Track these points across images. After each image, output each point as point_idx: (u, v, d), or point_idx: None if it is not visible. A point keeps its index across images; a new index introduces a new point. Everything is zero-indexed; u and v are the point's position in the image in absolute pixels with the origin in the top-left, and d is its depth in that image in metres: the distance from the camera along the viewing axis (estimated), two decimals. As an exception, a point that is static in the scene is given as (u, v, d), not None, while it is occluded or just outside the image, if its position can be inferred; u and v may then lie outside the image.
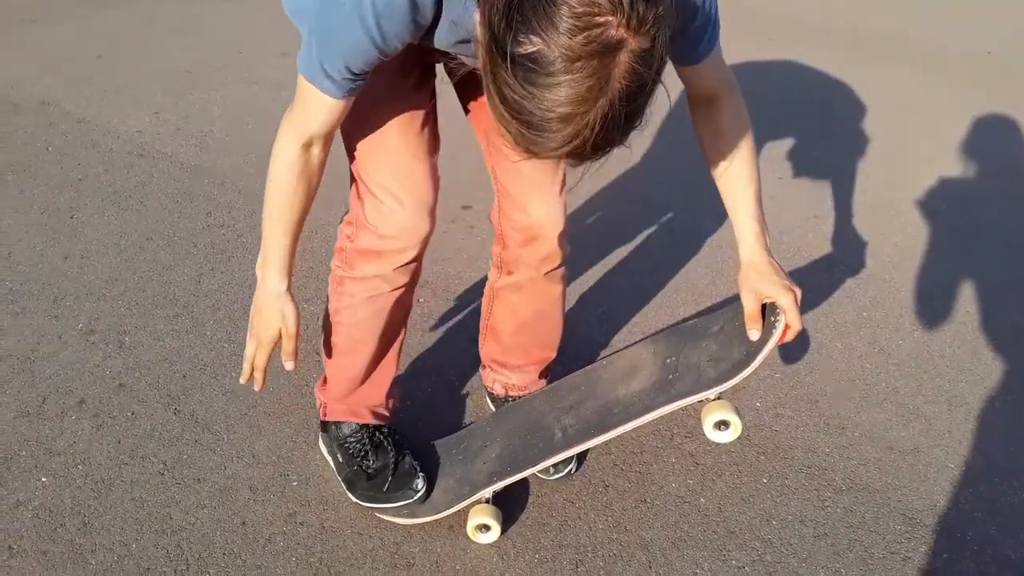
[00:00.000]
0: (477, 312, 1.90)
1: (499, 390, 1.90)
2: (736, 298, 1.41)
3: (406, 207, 1.47)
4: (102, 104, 3.35)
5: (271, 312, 1.45)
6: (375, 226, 1.49)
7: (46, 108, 3.30)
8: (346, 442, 1.75)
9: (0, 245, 2.50)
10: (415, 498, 1.67)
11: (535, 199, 1.57)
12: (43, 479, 1.79)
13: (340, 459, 1.76)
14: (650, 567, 1.65)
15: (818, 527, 1.73)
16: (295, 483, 1.80)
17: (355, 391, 1.72)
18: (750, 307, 1.37)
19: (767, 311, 1.39)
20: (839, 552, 1.68)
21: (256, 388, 1.51)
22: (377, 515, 1.71)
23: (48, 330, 2.19)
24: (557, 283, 1.73)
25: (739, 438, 1.89)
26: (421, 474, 1.69)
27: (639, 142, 3.03)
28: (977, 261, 2.54)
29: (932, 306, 2.35)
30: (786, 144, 3.16)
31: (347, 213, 1.60)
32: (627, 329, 2.25)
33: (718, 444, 1.88)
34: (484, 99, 1.40)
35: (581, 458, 1.85)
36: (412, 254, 1.53)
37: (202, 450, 1.87)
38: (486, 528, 1.65)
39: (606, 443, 1.85)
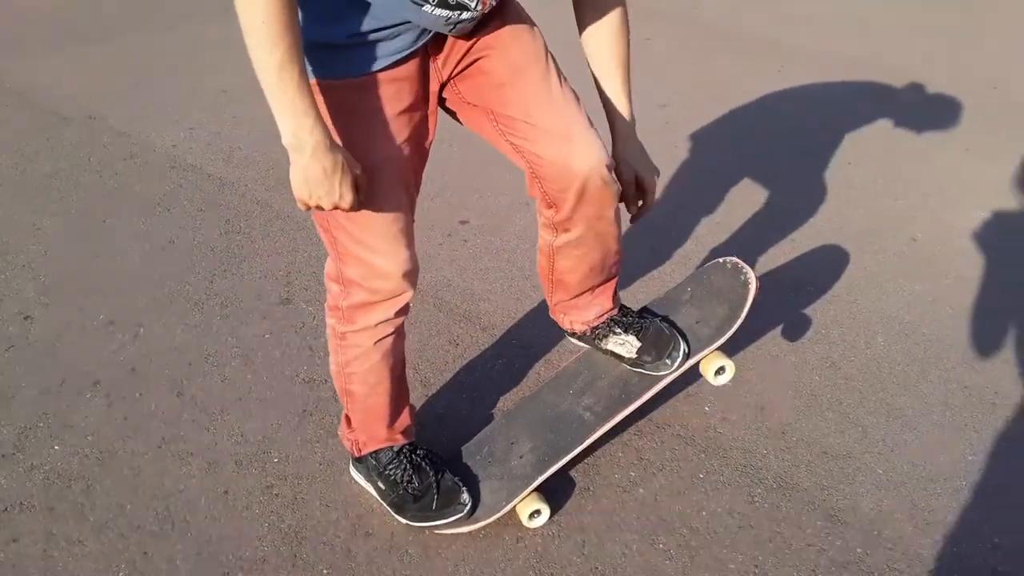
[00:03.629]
0: (466, 319, 2.08)
1: (580, 328, 1.91)
2: (693, 270, 1.61)
3: (397, 260, 1.52)
4: (143, 119, 3.64)
5: (340, 168, 1.33)
6: (367, 283, 1.54)
7: (92, 122, 3.60)
8: (386, 470, 1.82)
9: (38, 243, 2.77)
10: (464, 512, 1.77)
11: (574, 151, 1.53)
12: (56, 447, 2.03)
13: (382, 486, 1.83)
14: (583, 546, 1.82)
15: (744, 519, 1.88)
16: (276, 460, 2.01)
17: (385, 424, 1.80)
18: (630, 187, 1.69)
19: (735, 271, 1.83)
20: (760, 542, 1.83)
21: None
22: (436, 532, 1.82)
23: (73, 320, 2.44)
24: (615, 220, 1.69)
25: (684, 436, 2.06)
26: (464, 488, 1.80)
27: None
28: (942, 288, 2.66)
29: (890, 327, 2.49)
30: (772, 169, 3.31)
31: (328, 267, 1.65)
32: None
33: (718, 388, 2.19)
34: (481, 90, 1.54)
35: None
36: (410, 295, 1.60)
37: (197, 429, 2.09)
38: (538, 513, 1.82)
39: (557, 436, 2.03)
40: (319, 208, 1.37)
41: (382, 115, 1.43)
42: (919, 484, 1.98)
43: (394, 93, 1.43)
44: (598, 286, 1.83)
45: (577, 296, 1.84)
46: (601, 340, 1.90)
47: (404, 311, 1.63)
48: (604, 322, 1.89)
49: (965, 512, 1.92)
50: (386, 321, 1.62)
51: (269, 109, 1.30)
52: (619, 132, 1.66)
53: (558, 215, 1.64)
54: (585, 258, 1.74)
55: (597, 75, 1.63)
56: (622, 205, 1.70)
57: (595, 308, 1.87)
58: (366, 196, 1.42)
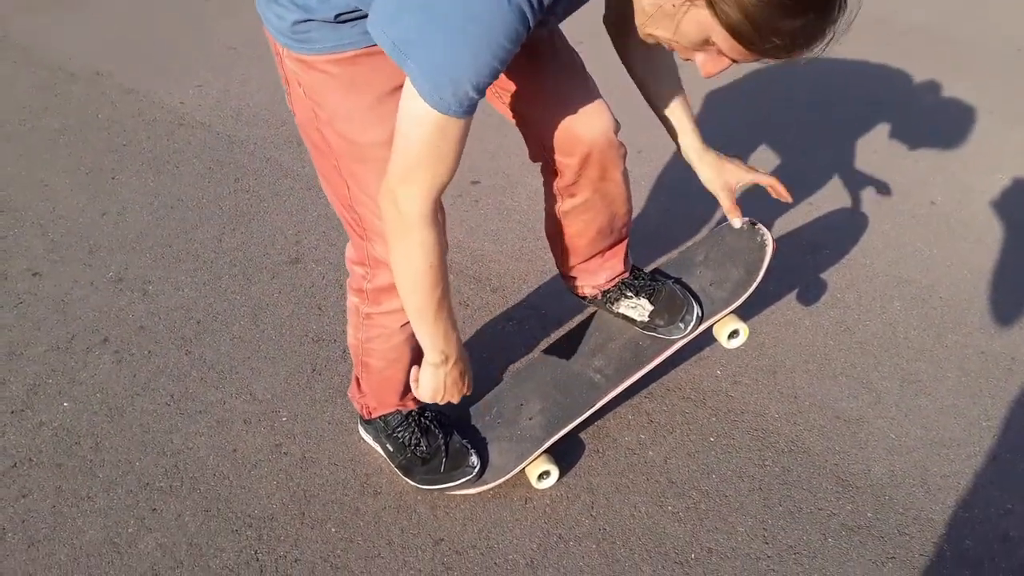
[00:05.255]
0: (476, 281, 2.05)
1: (591, 292, 1.88)
2: (705, 232, 1.58)
3: None
4: (151, 77, 3.60)
5: (467, 368, 1.50)
6: None
7: (99, 79, 3.57)
8: (395, 432, 1.81)
9: (46, 200, 2.76)
10: (472, 475, 1.77)
11: (578, 116, 1.52)
12: (65, 404, 2.02)
13: (391, 449, 1.83)
14: (592, 507, 1.81)
15: (754, 483, 1.87)
16: (284, 418, 2.00)
17: (397, 394, 1.78)
18: (726, 201, 1.69)
19: (752, 232, 1.77)
20: (770, 505, 1.82)
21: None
22: (445, 493, 1.83)
23: (82, 277, 2.43)
24: (623, 181, 1.66)
25: (695, 399, 2.04)
26: (473, 450, 1.79)
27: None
28: (961, 252, 2.62)
29: (906, 291, 2.45)
30: (789, 131, 3.26)
31: (350, 250, 1.58)
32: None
33: (734, 350, 2.20)
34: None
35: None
36: None
37: (206, 387, 2.08)
38: (547, 474, 1.82)
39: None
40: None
41: (384, 88, 1.36)
42: (932, 449, 1.96)
43: (388, 65, 1.36)
44: (608, 249, 1.80)
45: (587, 260, 1.81)
46: (613, 303, 1.87)
47: None
48: (615, 285, 1.86)
49: (978, 477, 1.90)
50: None
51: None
52: (691, 153, 1.67)
53: (562, 180, 1.62)
54: (593, 222, 1.71)
55: (659, 113, 1.64)
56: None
57: (606, 272, 1.84)
58: None
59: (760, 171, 1.67)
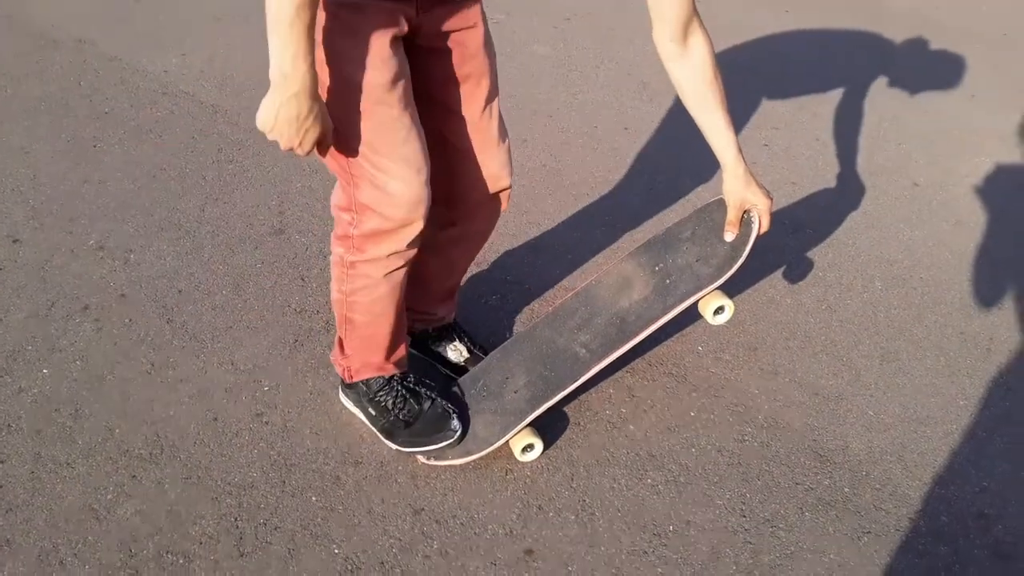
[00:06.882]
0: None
1: (419, 328, 2.01)
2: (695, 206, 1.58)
3: (411, 185, 1.48)
4: (134, 45, 3.56)
5: (313, 117, 1.35)
6: (381, 209, 1.50)
7: (82, 46, 3.52)
8: (376, 396, 1.82)
9: (27, 168, 2.73)
10: (454, 438, 1.78)
11: (492, 155, 1.67)
12: (44, 371, 2.01)
13: (373, 412, 1.83)
14: (572, 479, 1.82)
15: (733, 457, 1.89)
16: (266, 388, 2.00)
17: (382, 355, 1.79)
18: (733, 214, 1.72)
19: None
20: (748, 479, 1.84)
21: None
22: (424, 459, 1.83)
23: (62, 244, 2.41)
24: (493, 228, 1.86)
25: (676, 375, 2.05)
26: (455, 413, 1.80)
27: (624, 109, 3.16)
28: (942, 234, 2.64)
29: (888, 271, 2.47)
30: (775, 112, 3.26)
31: (337, 196, 1.60)
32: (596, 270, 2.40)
33: (717, 327, 2.21)
34: (444, 69, 1.56)
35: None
36: (422, 224, 1.54)
37: (187, 355, 2.08)
38: (531, 447, 1.83)
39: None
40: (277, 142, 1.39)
41: (385, 37, 1.40)
42: (910, 427, 1.98)
43: (388, 17, 1.41)
44: (452, 294, 2.01)
45: (433, 298, 1.97)
46: (439, 342, 2.04)
47: (416, 243, 1.58)
48: (449, 325, 2.04)
49: (954, 455, 1.92)
50: (397, 253, 1.58)
51: (265, 38, 1.26)
52: (725, 164, 1.68)
53: (451, 210, 1.75)
54: (459, 259, 1.91)
55: (696, 114, 1.66)
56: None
57: (444, 309, 2.02)
58: (346, 139, 1.45)
59: (767, 205, 1.70)
